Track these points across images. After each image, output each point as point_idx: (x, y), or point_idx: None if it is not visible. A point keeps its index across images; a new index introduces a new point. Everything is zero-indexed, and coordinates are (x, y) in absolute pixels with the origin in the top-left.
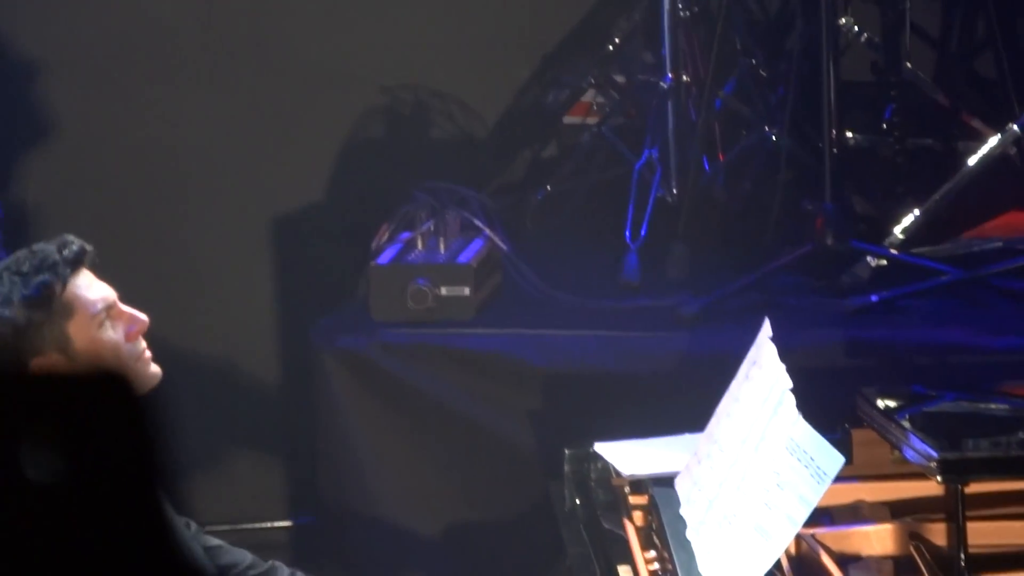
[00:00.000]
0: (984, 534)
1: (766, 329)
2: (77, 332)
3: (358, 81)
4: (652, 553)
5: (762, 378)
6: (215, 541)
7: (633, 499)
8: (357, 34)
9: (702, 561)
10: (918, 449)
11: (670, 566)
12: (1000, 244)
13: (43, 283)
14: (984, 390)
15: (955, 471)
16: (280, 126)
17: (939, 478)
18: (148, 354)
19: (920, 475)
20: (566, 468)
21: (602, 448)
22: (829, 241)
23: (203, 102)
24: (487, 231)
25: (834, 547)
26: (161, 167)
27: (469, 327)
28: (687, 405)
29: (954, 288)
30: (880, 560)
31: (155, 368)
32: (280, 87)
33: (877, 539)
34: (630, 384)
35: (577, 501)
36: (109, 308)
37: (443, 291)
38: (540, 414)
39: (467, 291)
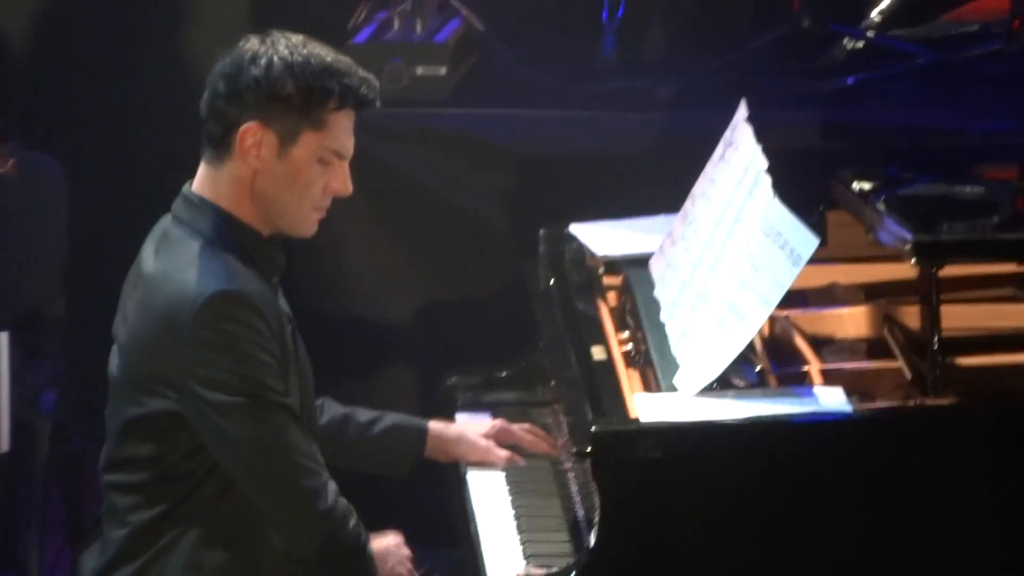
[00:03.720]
0: (957, 317)
1: (742, 110)
2: (304, 143)
3: None
4: (625, 333)
5: (738, 159)
6: None
7: (607, 280)
8: None
9: (675, 341)
10: (893, 232)
11: (643, 346)
12: (977, 27)
13: (326, 90)
14: (959, 173)
15: (929, 254)
16: None
17: (913, 260)
18: (323, 215)
19: (895, 258)
20: (541, 248)
21: (577, 229)
22: (806, 23)
23: None
24: (464, 11)
25: (808, 329)
26: None
27: (445, 107)
28: (662, 186)
29: (930, 71)
30: (853, 342)
31: (316, 228)
32: None
33: (851, 321)
34: (606, 165)
35: (551, 282)
36: (339, 158)
37: (419, 70)
38: (515, 194)
39: (443, 71)
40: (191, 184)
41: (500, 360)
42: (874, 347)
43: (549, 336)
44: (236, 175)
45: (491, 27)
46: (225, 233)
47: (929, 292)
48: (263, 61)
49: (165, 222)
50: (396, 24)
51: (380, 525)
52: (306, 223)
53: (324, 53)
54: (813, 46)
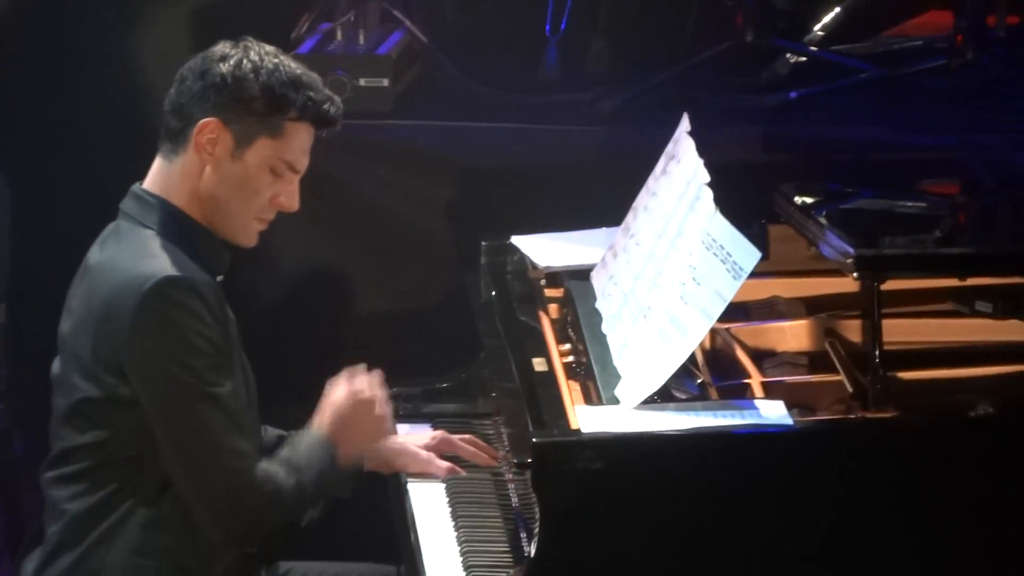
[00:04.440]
0: (899, 331)
1: (684, 124)
2: (258, 148)
3: None
4: (567, 346)
5: (680, 173)
6: None
7: (549, 292)
8: None
9: (616, 354)
10: (835, 246)
11: (585, 359)
12: (920, 42)
13: (289, 99)
14: (901, 187)
15: (871, 268)
16: None
17: (855, 274)
18: (264, 227)
19: (836, 272)
20: (482, 260)
21: (519, 240)
22: (749, 37)
23: None
24: (407, 23)
25: (749, 342)
26: None
27: (387, 118)
28: (604, 199)
29: (873, 86)
30: (795, 355)
31: (256, 238)
32: None
33: (792, 335)
34: (548, 177)
35: (493, 293)
36: (291, 171)
37: (362, 82)
38: (457, 206)
39: (386, 82)
40: (141, 184)
41: (441, 371)
42: (815, 361)
43: (490, 347)
44: (188, 169)
45: (434, 39)
46: (173, 227)
47: (871, 306)
48: (232, 61)
49: (114, 224)
50: (339, 35)
51: (323, 540)
52: (247, 231)
53: (295, 66)
54: (756, 60)
